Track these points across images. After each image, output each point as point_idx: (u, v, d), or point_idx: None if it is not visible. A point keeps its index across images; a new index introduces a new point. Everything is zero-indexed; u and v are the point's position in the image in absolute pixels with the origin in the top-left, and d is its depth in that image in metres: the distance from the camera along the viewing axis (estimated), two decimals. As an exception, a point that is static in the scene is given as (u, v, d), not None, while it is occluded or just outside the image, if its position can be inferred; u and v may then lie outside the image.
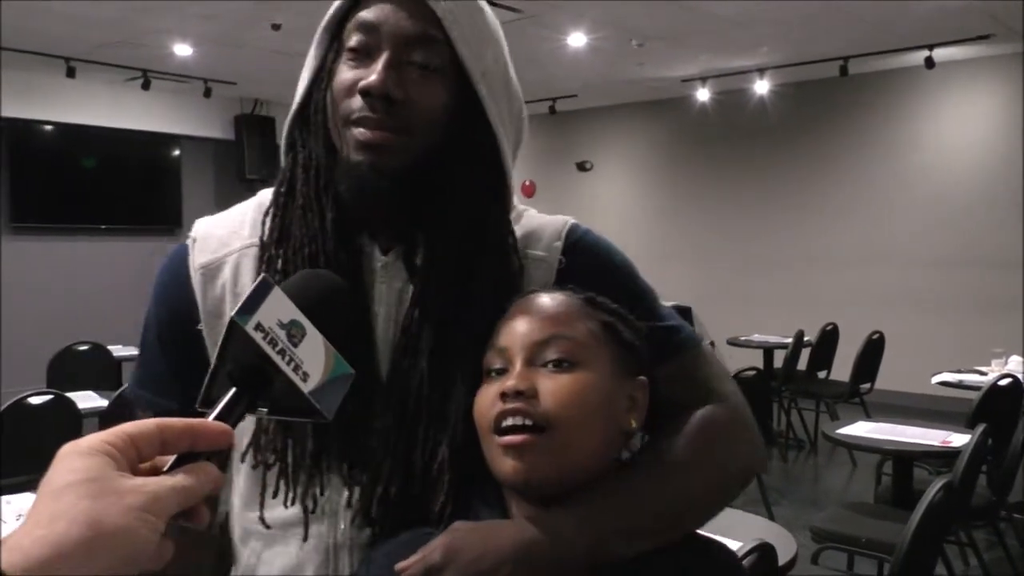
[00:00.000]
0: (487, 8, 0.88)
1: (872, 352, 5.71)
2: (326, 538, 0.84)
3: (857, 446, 3.56)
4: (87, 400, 3.99)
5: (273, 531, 0.86)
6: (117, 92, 7.52)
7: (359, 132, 0.81)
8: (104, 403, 3.92)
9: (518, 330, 0.81)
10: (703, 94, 7.76)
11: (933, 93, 7.02)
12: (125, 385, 3.90)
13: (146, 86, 6.97)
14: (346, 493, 0.84)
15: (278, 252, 0.85)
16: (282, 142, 0.90)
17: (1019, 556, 3.81)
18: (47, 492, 0.48)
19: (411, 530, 0.81)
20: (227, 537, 0.94)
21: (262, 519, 0.85)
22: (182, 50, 6.30)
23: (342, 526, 0.84)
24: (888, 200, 7.25)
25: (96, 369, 5.18)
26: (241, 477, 0.89)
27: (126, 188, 8.00)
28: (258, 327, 0.57)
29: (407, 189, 0.83)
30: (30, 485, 2.97)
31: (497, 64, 0.87)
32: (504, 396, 0.77)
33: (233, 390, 0.58)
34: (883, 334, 5.79)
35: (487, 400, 0.80)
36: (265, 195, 0.93)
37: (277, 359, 0.57)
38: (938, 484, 2.36)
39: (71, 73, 6.46)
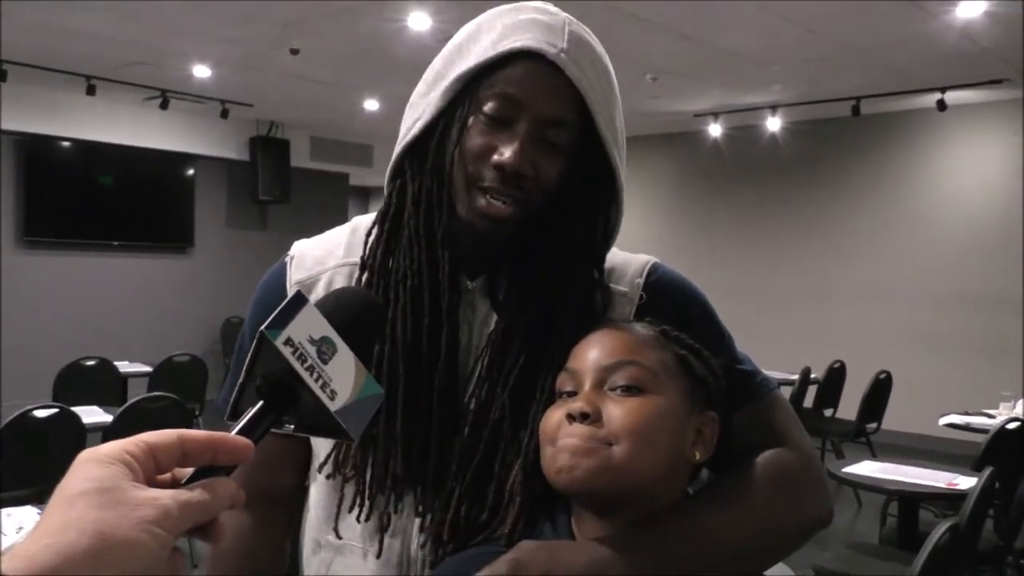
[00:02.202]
0: (611, 68, 0.90)
1: (879, 391, 5.67)
2: (398, 554, 0.87)
3: (863, 485, 3.53)
4: (92, 415, 4.00)
5: (344, 543, 0.90)
6: (135, 111, 7.61)
7: (486, 202, 0.84)
8: (109, 418, 3.93)
9: (589, 354, 0.83)
10: (715, 129, 7.81)
11: (944, 135, 7.05)
12: (130, 401, 3.91)
13: (164, 106, 7.06)
14: (418, 516, 0.86)
15: (381, 278, 0.88)
16: (388, 168, 0.92)
17: (1025, 603, 3.75)
18: (60, 499, 0.47)
19: (477, 547, 0.82)
20: (295, 546, 0.99)
21: (335, 530, 0.89)
22: (201, 72, 6.39)
23: (413, 544, 0.87)
24: (898, 240, 7.25)
25: (102, 385, 5.20)
26: (317, 488, 0.93)
27: (139, 205, 8.08)
28: (288, 342, 0.56)
29: (513, 242, 0.87)
30: (32, 498, 2.97)
31: (621, 123, 0.91)
32: (570, 418, 0.78)
33: (260, 404, 0.57)
34: (890, 374, 5.76)
35: (553, 420, 0.81)
36: (359, 221, 0.98)
37: (305, 375, 0.56)
38: (944, 526, 2.34)
39: (91, 91, 6.56)
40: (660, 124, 8.09)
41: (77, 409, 3.69)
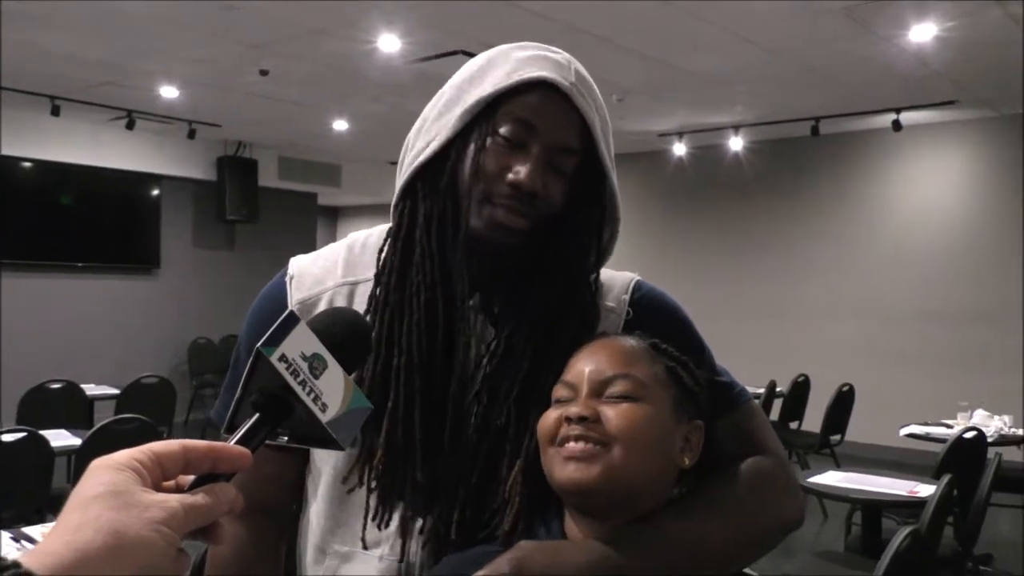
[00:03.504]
0: (602, 100, 0.98)
1: (842, 404, 5.79)
2: (400, 556, 0.92)
3: (828, 495, 3.61)
4: (60, 438, 3.94)
5: (350, 550, 0.94)
6: (99, 131, 7.54)
7: (500, 214, 0.90)
8: (77, 441, 3.88)
9: (585, 367, 0.87)
10: (680, 148, 7.95)
11: (900, 154, 7.26)
12: (99, 423, 3.87)
13: (130, 126, 7.01)
14: (420, 518, 0.91)
15: (395, 294, 0.93)
16: (397, 187, 0.97)
17: (986, 608, 3.86)
18: (76, 502, 0.51)
19: (475, 547, 0.86)
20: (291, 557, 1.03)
21: (363, 539, 0.92)
22: (168, 92, 6.37)
23: (414, 547, 0.91)
24: (858, 256, 7.43)
25: (68, 407, 5.12)
26: (320, 500, 0.97)
27: (105, 226, 8.00)
28: (282, 358, 0.60)
29: (513, 260, 0.92)
30: (3, 522, 2.93)
31: (613, 148, 0.98)
32: (568, 420, 0.83)
33: (256, 416, 0.61)
34: (853, 386, 5.89)
35: (550, 420, 0.85)
36: (355, 238, 1.02)
37: (298, 389, 0.60)
38: (904, 532, 2.41)
39: (56, 112, 6.50)
40: (626, 143, 8.21)
41: (45, 432, 3.64)
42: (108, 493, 0.51)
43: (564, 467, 0.82)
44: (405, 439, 0.90)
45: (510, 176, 0.89)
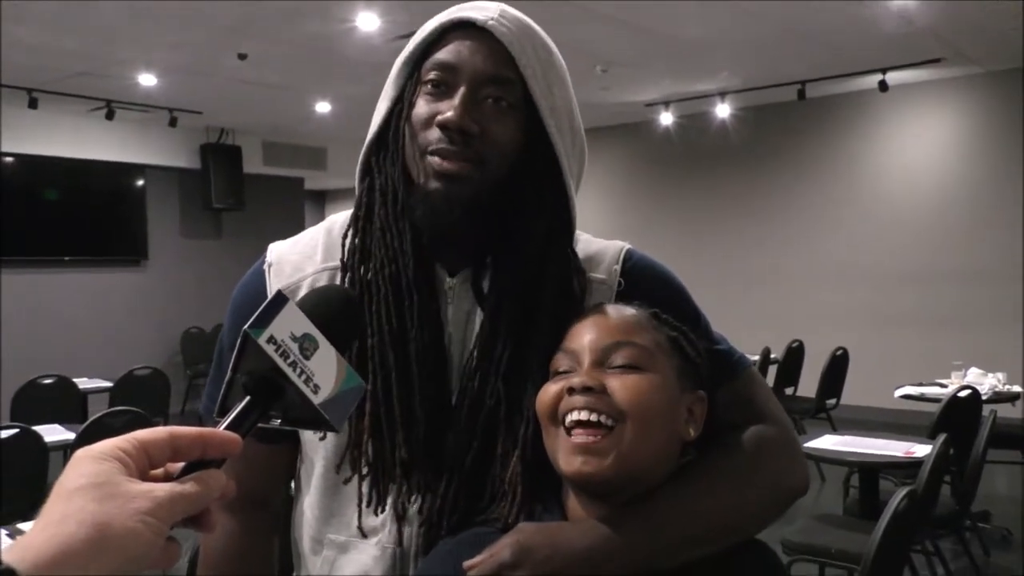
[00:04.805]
0: (555, 50, 0.94)
1: (837, 368, 5.81)
2: (395, 541, 0.90)
3: (824, 459, 3.63)
4: (53, 433, 3.92)
5: (347, 539, 0.92)
6: (80, 122, 7.45)
7: (436, 161, 0.86)
8: (71, 436, 3.86)
9: (587, 334, 0.84)
10: (666, 118, 7.91)
11: (888, 115, 7.23)
12: (92, 417, 3.85)
13: (110, 116, 6.93)
14: (417, 502, 0.89)
15: (360, 272, 0.90)
16: (357, 169, 0.94)
17: (984, 565, 3.89)
18: (59, 494, 0.50)
19: (471, 529, 0.84)
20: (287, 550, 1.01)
21: (360, 528, 0.90)
22: (147, 80, 6.29)
23: (411, 531, 0.89)
24: (847, 219, 7.43)
25: (61, 402, 5.10)
26: (313, 491, 0.95)
27: (89, 219, 7.93)
28: (271, 340, 0.58)
29: (478, 216, 0.87)
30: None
31: (564, 100, 0.92)
32: (572, 391, 0.80)
33: (246, 400, 0.60)
34: (847, 350, 5.90)
35: (550, 394, 0.82)
36: (334, 220, 0.99)
37: (288, 371, 0.59)
38: (902, 492, 2.41)
39: (33, 104, 6.41)
40: (612, 115, 8.17)
41: (38, 428, 3.62)
42: (91, 484, 0.50)
43: (572, 459, 0.79)
44: (387, 417, 0.88)
45: (437, 118, 0.86)
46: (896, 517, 2.34)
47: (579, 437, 0.79)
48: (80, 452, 0.52)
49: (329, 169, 9.67)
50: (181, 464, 0.56)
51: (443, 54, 0.88)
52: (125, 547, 0.48)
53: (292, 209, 9.56)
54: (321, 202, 13.40)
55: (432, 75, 0.88)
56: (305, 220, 10.03)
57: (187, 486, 0.53)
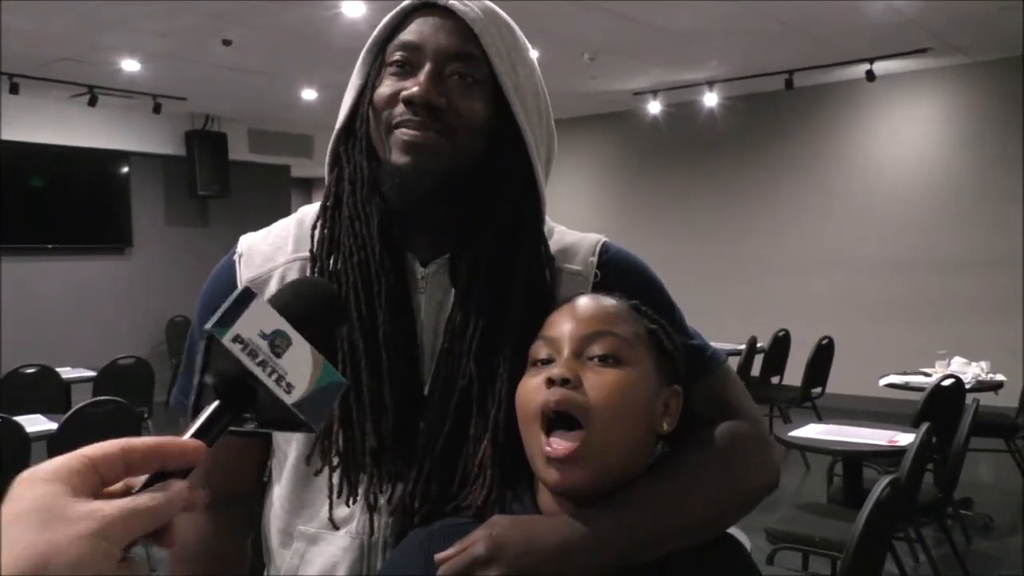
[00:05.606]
0: (520, 33, 0.93)
1: (823, 357, 5.84)
2: (366, 531, 0.89)
3: (809, 447, 3.65)
4: (36, 424, 3.88)
5: (317, 531, 0.91)
6: (63, 109, 7.36)
7: (402, 132, 0.85)
8: (54, 426, 3.82)
9: (567, 323, 0.84)
10: (655, 107, 7.89)
11: (875, 105, 7.25)
12: (75, 407, 3.82)
13: (93, 102, 6.85)
14: (388, 491, 0.88)
15: (328, 262, 0.89)
16: (327, 159, 0.93)
17: (965, 553, 3.93)
18: None
19: (443, 520, 0.83)
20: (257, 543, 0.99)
21: (331, 519, 0.89)
22: (130, 66, 6.22)
23: (379, 522, 0.88)
24: (834, 208, 7.45)
25: (44, 392, 5.05)
26: (283, 482, 0.94)
27: (73, 206, 7.84)
28: (236, 339, 0.55)
29: (449, 194, 0.87)
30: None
31: (529, 81, 0.91)
32: (550, 382, 0.79)
33: (215, 404, 0.57)
34: (832, 339, 5.93)
35: (531, 388, 0.82)
36: (306, 211, 0.98)
37: (257, 371, 0.56)
38: (885, 481, 2.43)
39: (15, 90, 6.33)
40: (600, 104, 8.14)
41: (20, 418, 3.59)
42: (31, 510, 0.46)
43: (548, 470, 0.79)
44: (357, 406, 0.86)
45: (403, 94, 0.85)
46: (879, 505, 2.36)
47: (557, 444, 0.78)
48: (23, 475, 0.49)
49: (315, 157, 9.61)
50: (143, 477, 0.52)
51: (406, 35, 0.88)
52: (69, 574, 0.45)
53: (278, 197, 9.50)
54: (307, 190, 13.32)
55: (396, 55, 0.88)
56: (291, 208, 9.96)
57: (143, 500, 0.49)
